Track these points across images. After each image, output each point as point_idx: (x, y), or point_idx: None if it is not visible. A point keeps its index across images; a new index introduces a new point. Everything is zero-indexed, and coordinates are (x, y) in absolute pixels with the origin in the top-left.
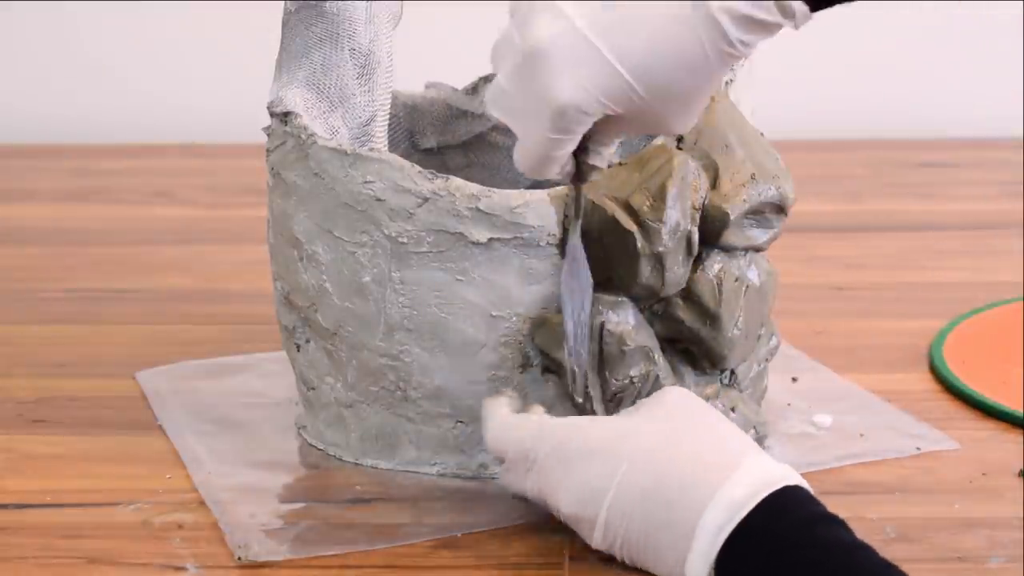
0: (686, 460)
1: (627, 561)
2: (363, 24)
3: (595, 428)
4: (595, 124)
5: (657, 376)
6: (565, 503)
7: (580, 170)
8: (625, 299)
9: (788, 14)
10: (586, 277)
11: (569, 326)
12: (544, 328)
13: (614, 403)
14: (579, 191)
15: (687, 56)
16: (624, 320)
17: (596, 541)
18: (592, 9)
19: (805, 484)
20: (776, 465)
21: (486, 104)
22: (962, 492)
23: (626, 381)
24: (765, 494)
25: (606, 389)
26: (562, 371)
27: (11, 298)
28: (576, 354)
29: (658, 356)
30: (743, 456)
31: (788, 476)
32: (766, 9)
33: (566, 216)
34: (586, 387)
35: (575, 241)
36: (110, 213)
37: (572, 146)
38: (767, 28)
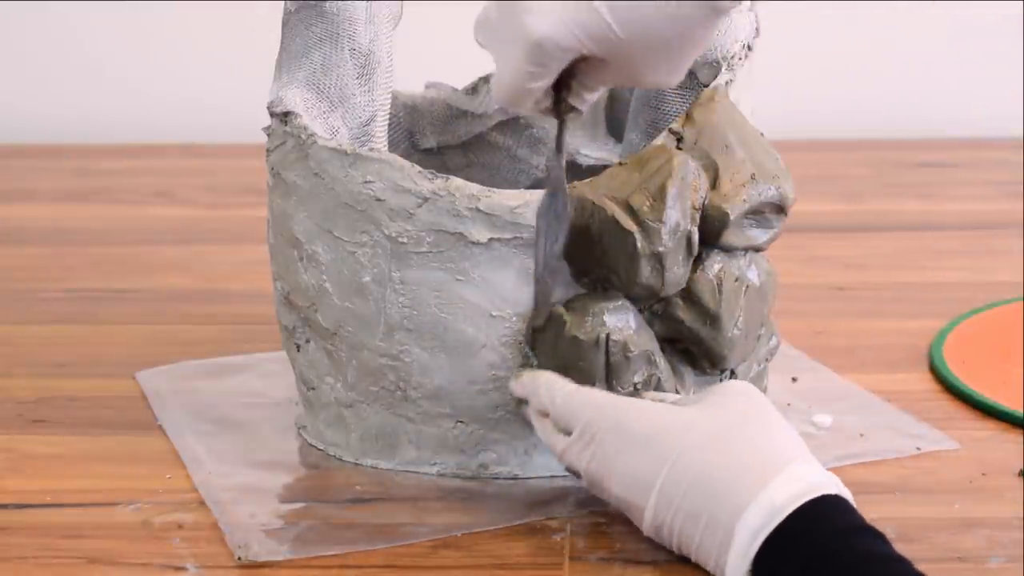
0: (735, 458)
1: (674, 549)
2: (363, 24)
3: (655, 413)
4: (578, 65)
5: (659, 380)
6: (617, 485)
7: (559, 107)
8: (625, 302)
9: None
10: (564, 208)
11: (540, 255)
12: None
13: None
14: (561, 126)
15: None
16: (626, 325)
17: (645, 527)
18: None
19: (848, 494)
20: (821, 472)
21: (473, 31)
22: (962, 492)
23: (630, 388)
24: (804, 500)
25: None
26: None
27: (11, 298)
28: (542, 282)
29: (659, 359)
30: (790, 461)
31: (830, 484)
32: None
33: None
34: (548, 316)
35: (558, 173)
36: (110, 213)
37: (547, 81)
38: None
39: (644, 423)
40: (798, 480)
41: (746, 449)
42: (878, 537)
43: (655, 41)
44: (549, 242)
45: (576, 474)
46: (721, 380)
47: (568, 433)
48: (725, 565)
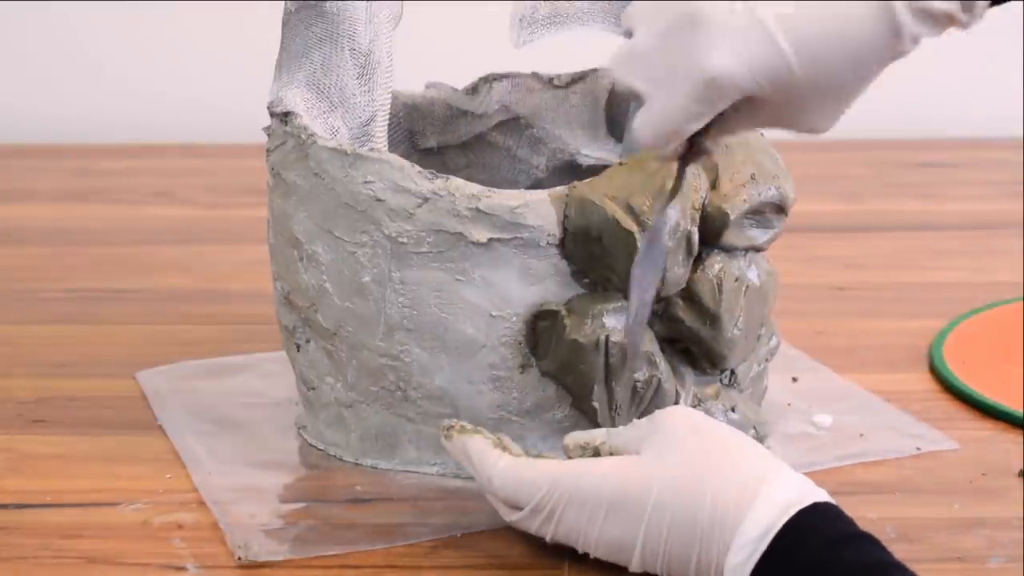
0: (707, 497)
1: None
2: (363, 24)
3: (611, 476)
4: (732, 104)
5: (660, 380)
6: (595, 549)
7: (690, 150)
8: (625, 303)
9: (967, 6)
10: (661, 261)
11: (633, 305)
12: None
13: (618, 412)
14: (682, 171)
15: (854, 43)
16: None
17: (634, 571)
18: None
19: (822, 494)
20: (794, 485)
21: (614, 65)
22: (962, 492)
23: (631, 389)
24: (784, 521)
25: (611, 398)
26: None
27: (11, 298)
28: (633, 333)
29: (660, 359)
30: (761, 480)
31: (807, 495)
32: (947, 2)
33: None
34: (640, 361)
35: (660, 225)
36: (110, 213)
37: (708, 120)
38: (941, 23)
39: (604, 490)
40: (775, 501)
41: (715, 484)
42: (865, 541)
43: (831, 85)
44: (643, 291)
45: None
46: (721, 380)
47: (517, 508)
48: None
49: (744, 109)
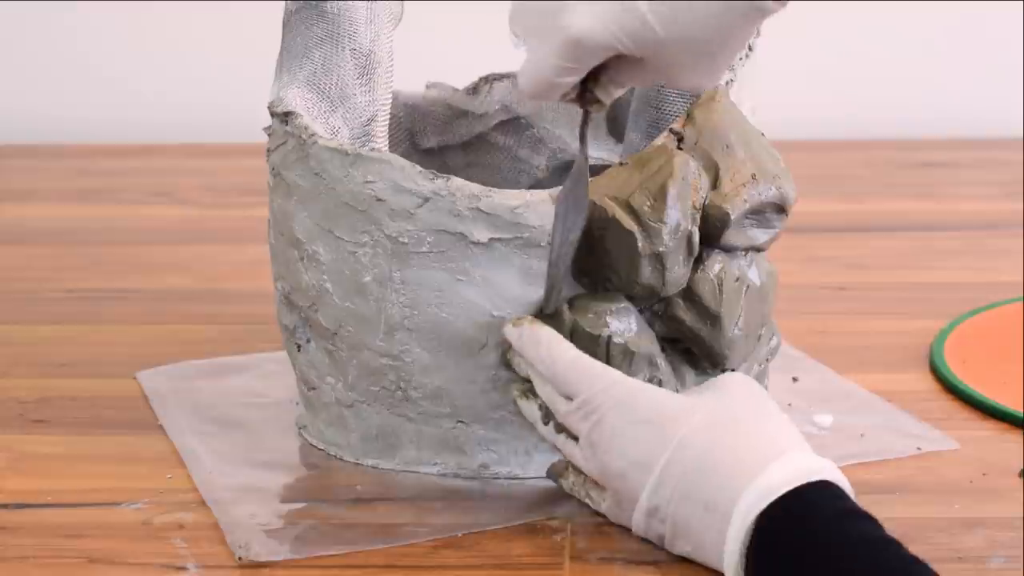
0: (735, 445)
1: (664, 534)
2: (363, 24)
3: (660, 395)
4: (611, 60)
5: (660, 381)
6: (617, 459)
7: (584, 97)
8: (627, 305)
9: None
10: (584, 197)
11: (556, 240)
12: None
13: None
14: (585, 116)
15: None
16: (627, 327)
17: (639, 509)
18: None
19: (846, 482)
20: (817, 460)
21: (508, 20)
22: (962, 492)
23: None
24: (799, 483)
25: None
26: None
27: (11, 298)
28: (555, 267)
29: (660, 360)
30: (787, 450)
31: (826, 470)
32: None
33: (581, 127)
34: (558, 302)
35: (581, 163)
36: (110, 213)
37: (578, 76)
38: None
39: (649, 404)
40: (794, 466)
41: (746, 437)
42: (871, 521)
43: (696, 42)
44: (566, 229)
45: (565, 435)
46: None
47: (567, 397)
48: (721, 548)
49: (621, 66)
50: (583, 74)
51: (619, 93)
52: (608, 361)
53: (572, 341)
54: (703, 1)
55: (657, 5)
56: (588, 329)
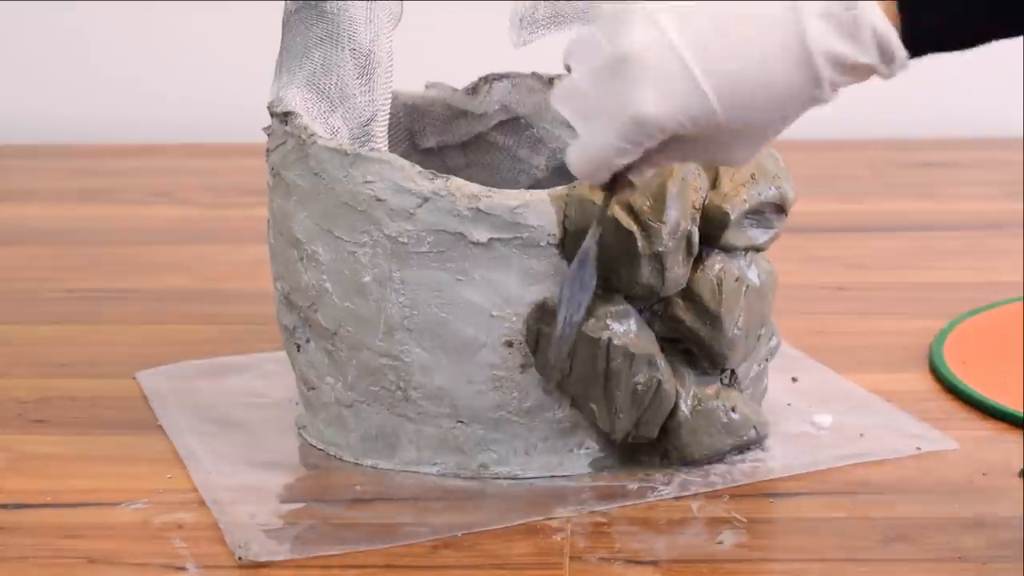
0: None
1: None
2: (363, 24)
3: None
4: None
5: (660, 382)
6: None
7: (616, 181)
8: (627, 307)
9: (887, 59)
10: (591, 283)
11: (560, 323)
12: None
13: (618, 415)
14: (608, 200)
15: (777, 90)
16: (628, 329)
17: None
18: (688, 23)
19: None
20: None
21: (553, 99)
22: (962, 492)
23: (631, 391)
24: None
25: (611, 400)
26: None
27: (11, 298)
28: (558, 350)
29: (660, 361)
30: None
31: None
32: (866, 53)
33: (588, 221)
34: (558, 377)
35: (590, 246)
36: (110, 213)
37: (634, 158)
38: (861, 73)
39: None
40: None
41: None
42: None
43: (753, 125)
44: (572, 310)
45: None
46: (721, 380)
47: None
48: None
49: (670, 146)
50: (638, 155)
51: (651, 174)
52: (608, 363)
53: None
54: (766, 89)
55: (722, 89)
56: (589, 333)
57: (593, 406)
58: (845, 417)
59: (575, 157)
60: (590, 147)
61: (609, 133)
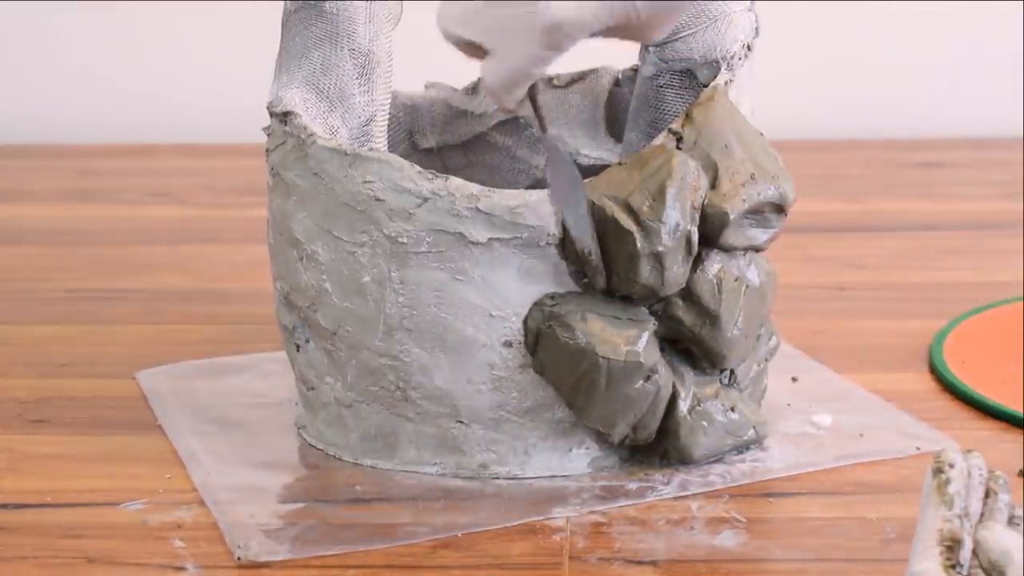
0: None
1: None
2: (363, 24)
3: None
4: None
5: (659, 382)
6: None
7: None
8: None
9: None
10: (571, 172)
11: (570, 222)
12: None
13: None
14: (533, 96)
15: None
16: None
17: None
18: None
19: None
20: None
21: (444, 21)
22: None
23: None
24: None
25: (606, 408)
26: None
27: (11, 298)
28: (583, 243)
29: (660, 368)
30: None
31: None
32: None
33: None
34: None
35: (551, 144)
36: (110, 213)
37: (551, 64)
38: None
39: None
40: None
41: None
42: None
43: (668, 11)
44: (572, 207)
45: None
46: (721, 380)
47: None
48: None
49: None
50: (557, 59)
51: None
52: (608, 366)
53: (570, 355)
54: None
55: None
56: (587, 346)
57: (589, 412)
58: (845, 417)
59: (492, 77)
60: (508, 60)
61: (524, 44)
